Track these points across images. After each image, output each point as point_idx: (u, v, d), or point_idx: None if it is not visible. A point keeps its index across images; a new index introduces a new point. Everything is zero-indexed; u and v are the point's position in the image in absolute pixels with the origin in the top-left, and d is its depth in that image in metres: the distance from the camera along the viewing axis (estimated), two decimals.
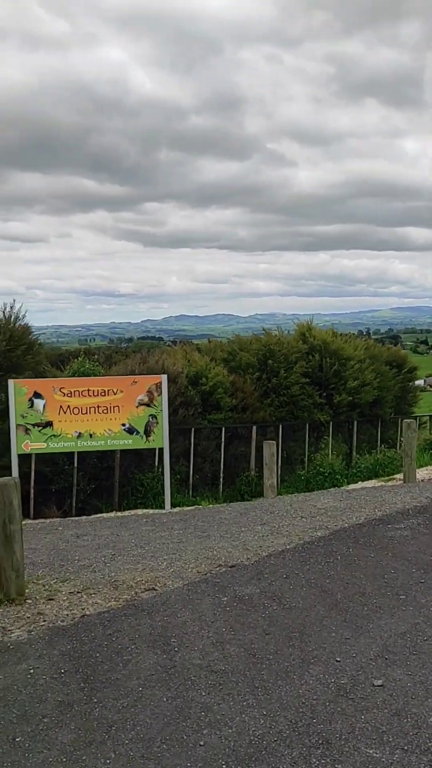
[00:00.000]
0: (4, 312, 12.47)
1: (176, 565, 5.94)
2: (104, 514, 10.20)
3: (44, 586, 5.57)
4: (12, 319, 12.46)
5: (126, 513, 9.95)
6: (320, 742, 2.70)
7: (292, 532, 6.77)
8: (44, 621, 4.36)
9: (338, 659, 3.50)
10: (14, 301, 12.55)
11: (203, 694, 3.11)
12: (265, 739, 2.72)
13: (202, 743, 2.69)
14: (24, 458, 10.41)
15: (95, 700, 3.06)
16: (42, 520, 9.53)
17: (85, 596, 5.17)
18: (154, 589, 5.13)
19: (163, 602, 4.55)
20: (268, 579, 5.00)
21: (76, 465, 11.55)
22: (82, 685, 3.23)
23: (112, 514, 9.83)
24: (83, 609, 4.67)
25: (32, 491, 11.00)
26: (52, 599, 5.13)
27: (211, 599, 4.54)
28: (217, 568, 5.70)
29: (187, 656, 3.55)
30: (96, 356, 17.90)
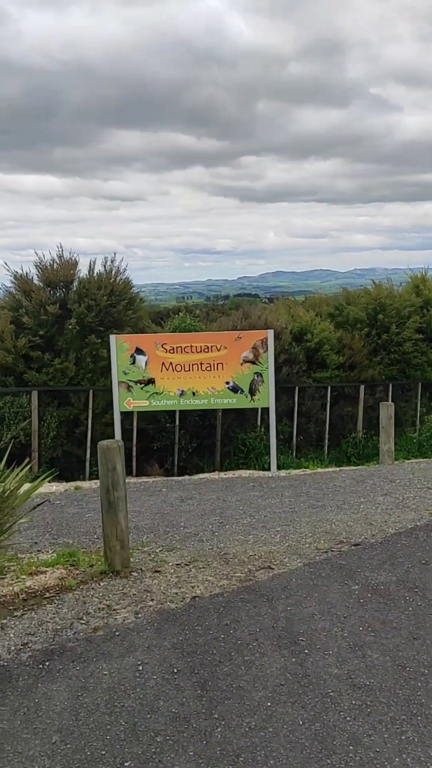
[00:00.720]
0: (105, 266, 12.16)
1: (291, 539, 5.38)
2: (207, 475, 9.79)
3: (149, 555, 5.19)
4: (113, 273, 12.12)
5: (229, 474, 9.49)
6: None
7: (421, 506, 6.01)
8: (152, 600, 3.94)
9: None
10: (115, 255, 12.18)
11: (347, 718, 2.53)
12: None
13: None
14: (126, 415, 10.16)
15: (216, 716, 2.56)
16: (145, 480, 9.27)
17: (193, 570, 4.72)
18: (270, 567, 4.60)
19: (284, 586, 3.99)
20: (404, 564, 4.32)
21: (177, 423, 11.21)
22: (199, 692, 2.74)
23: (215, 475, 9.41)
24: (193, 587, 4.21)
25: (134, 449, 10.78)
26: (158, 571, 4.72)
27: (339, 586, 3.93)
28: (339, 546, 5.07)
29: (320, 662, 2.97)
30: (197, 312, 17.46)
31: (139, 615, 3.66)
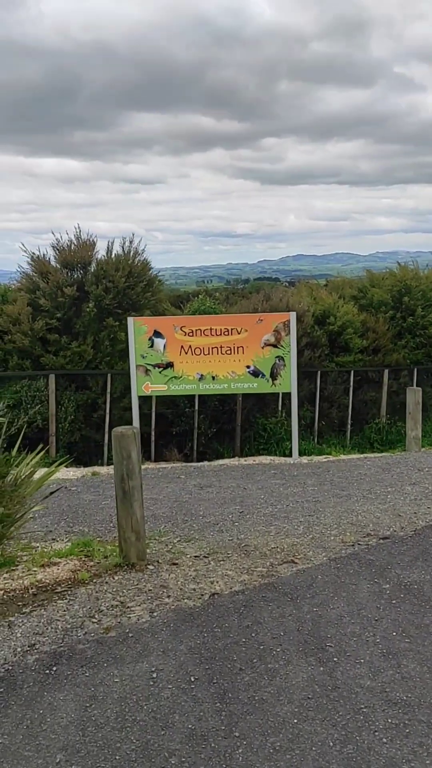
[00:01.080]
0: (123, 247, 11.88)
1: (315, 531, 5.12)
2: (227, 461, 9.57)
3: (167, 545, 4.97)
4: (131, 255, 11.84)
5: (249, 461, 9.25)
6: None
7: None
8: (168, 597, 3.71)
9: None
10: (133, 235, 11.89)
11: (383, 739, 2.27)
12: None
13: None
14: (144, 399, 9.95)
15: (237, 734, 2.31)
16: (163, 465, 9.08)
17: (212, 563, 4.49)
18: (293, 561, 4.34)
19: (309, 584, 3.73)
20: None
21: (197, 408, 10.97)
22: (218, 705, 2.49)
23: (235, 461, 9.18)
24: (212, 583, 3.98)
25: (153, 434, 10.57)
26: (176, 564, 4.49)
27: (368, 585, 3.67)
28: (366, 539, 4.79)
29: (351, 672, 2.71)
30: (217, 295, 17.15)
31: (155, 614, 3.43)
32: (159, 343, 8.74)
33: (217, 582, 4.00)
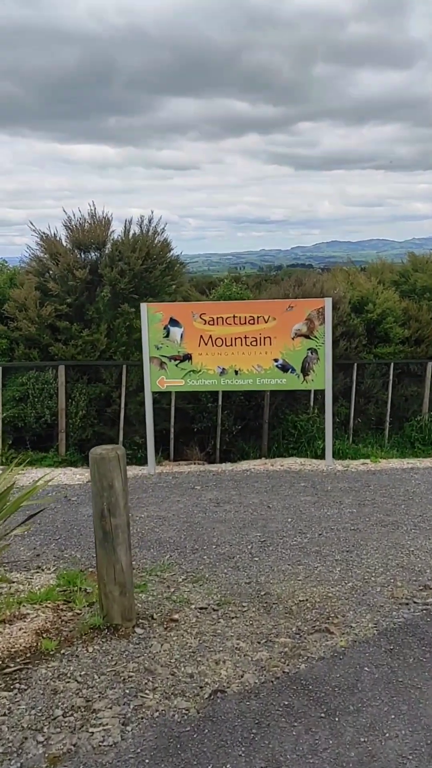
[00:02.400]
0: (141, 226, 10.80)
1: (356, 576, 4.03)
2: (252, 463, 8.49)
3: (168, 587, 3.95)
4: (150, 234, 10.76)
5: (277, 465, 8.15)
6: None
7: None
8: (153, 690, 2.66)
9: None
10: (152, 213, 10.81)
11: None
12: None
13: None
14: (163, 394, 8.93)
15: None
16: (179, 469, 8.05)
17: (222, 621, 3.45)
18: (328, 630, 3.26)
19: (351, 683, 2.64)
20: None
21: (220, 403, 9.91)
22: None
23: (260, 465, 8.10)
24: (217, 663, 2.92)
25: (172, 430, 9.57)
26: (174, 621, 3.46)
27: None
28: (424, 594, 3.69)
29: None
30: (245, 279, 15.97)
31: (128, 729, 2.38)
32: (175, 332, 7.67)
33: (224, 662, 2.94)
